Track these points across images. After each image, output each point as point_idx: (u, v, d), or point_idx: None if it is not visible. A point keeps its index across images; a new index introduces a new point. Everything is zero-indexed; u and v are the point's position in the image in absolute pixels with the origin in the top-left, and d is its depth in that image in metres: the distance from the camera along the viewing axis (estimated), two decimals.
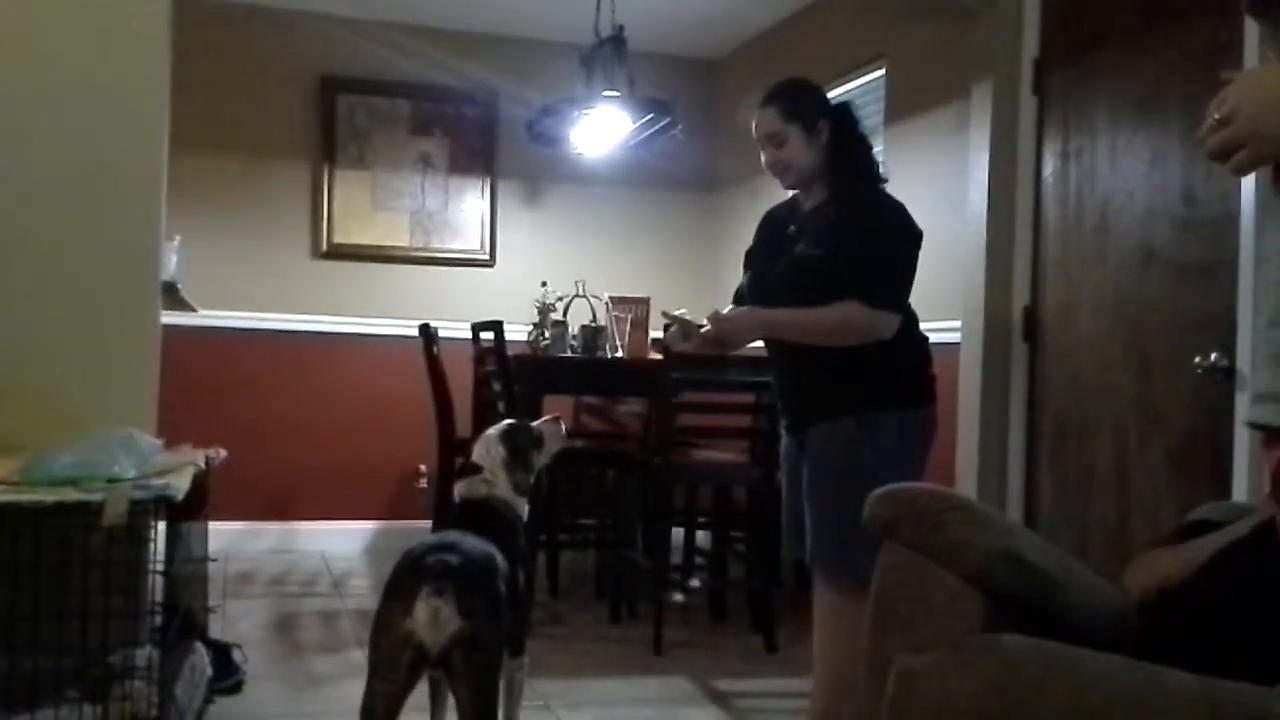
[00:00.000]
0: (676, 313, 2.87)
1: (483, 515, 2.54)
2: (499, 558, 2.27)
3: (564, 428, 2.89)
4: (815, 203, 2.87)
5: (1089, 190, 3.48)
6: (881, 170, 2.90)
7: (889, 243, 2.79)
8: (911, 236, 2.83)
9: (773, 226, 3.01)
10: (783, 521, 2.94)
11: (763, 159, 2.87)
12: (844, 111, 2.88)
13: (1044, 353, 3.67)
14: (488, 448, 2.71)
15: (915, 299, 4.46)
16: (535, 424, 2.84)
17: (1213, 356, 2.91)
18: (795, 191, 2.95)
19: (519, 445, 2.73)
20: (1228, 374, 2.87)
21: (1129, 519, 3.24)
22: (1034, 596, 1.65)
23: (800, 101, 2.83)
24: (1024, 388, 3.72)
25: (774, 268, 2.88)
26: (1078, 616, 1.69)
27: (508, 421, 2.84)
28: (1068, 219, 3.58)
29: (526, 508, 2.69)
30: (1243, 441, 2.79)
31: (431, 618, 2.03)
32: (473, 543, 2.26)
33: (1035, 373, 3.70)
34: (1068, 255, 3.57)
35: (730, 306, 2.96)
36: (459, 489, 2.66)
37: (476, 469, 2.65)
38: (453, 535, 2.33)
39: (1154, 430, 3.17)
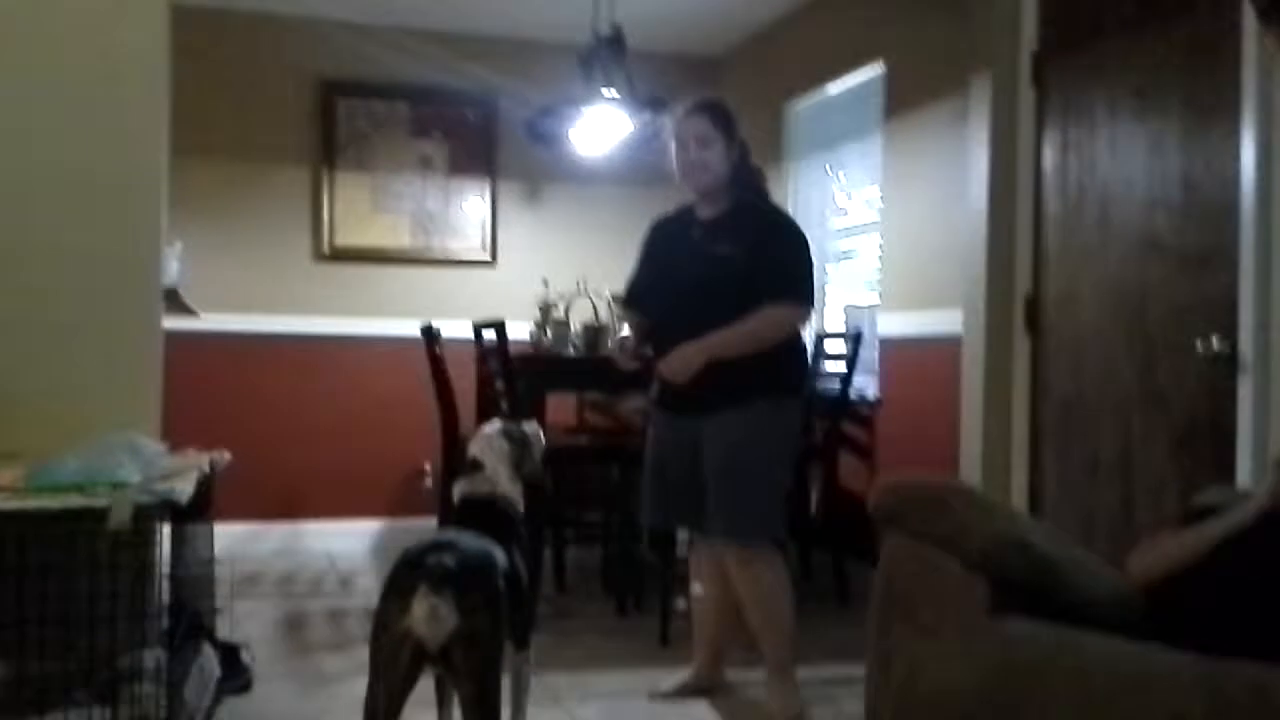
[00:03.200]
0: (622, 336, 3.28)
1: (484, 513, 2.54)
2: (497, 554, 2.27)
3: (540, 432, 2.91)
4: (718, 212, 3.17)
5: (1089, 180, 3.48)
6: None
7: (799, 244, 3.17)
8: (809, 242, 3.24)
9: (668, 235, 3.32)
10: (654, 499, 3.25)
11: (679, 157, 3.15)
12: (745, 145, 3.23)
13: (1046, 342, 3.67)
14: (489, 444, 2.71)
15: (918, 291, 4.48)
16: (522, 426, 2.85)
17: (1215, 342, 2.91)
18: (683, 206, 3.28)
19: (517, 442, 2.75)
20: (1230, 360, 2.87)
21: (1134, 506, 3.25)
22: (1038, 581, 1.66)
23: (729, 118, 3.17)
24: (1027, 377, 3.72)
25: (685, 269, 3.16)
26: (1081, 600, 1.70)
27: (500, 421, 2.85)
28: (1068, 209, 3.58)
29: (523, 504, 2.70)
30: (1246, 426, 2.80)
31: (429, 615, 2.02)
32: (469, 540, 2.26)
33: (1038, 362, 3.70)
34: (1069, 245, 3.57)
35: (625, 332, 3.42)
36: (460, 487, 2.66)
37: (477, 466, 2.66)
38: (450, 534, 2.34)
39: (1157, 417, 3.17)
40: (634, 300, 3.39)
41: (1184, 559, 1.90)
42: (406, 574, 2.11)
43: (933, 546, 1.74)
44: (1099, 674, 1.41)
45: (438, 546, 2.18)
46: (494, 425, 2.82)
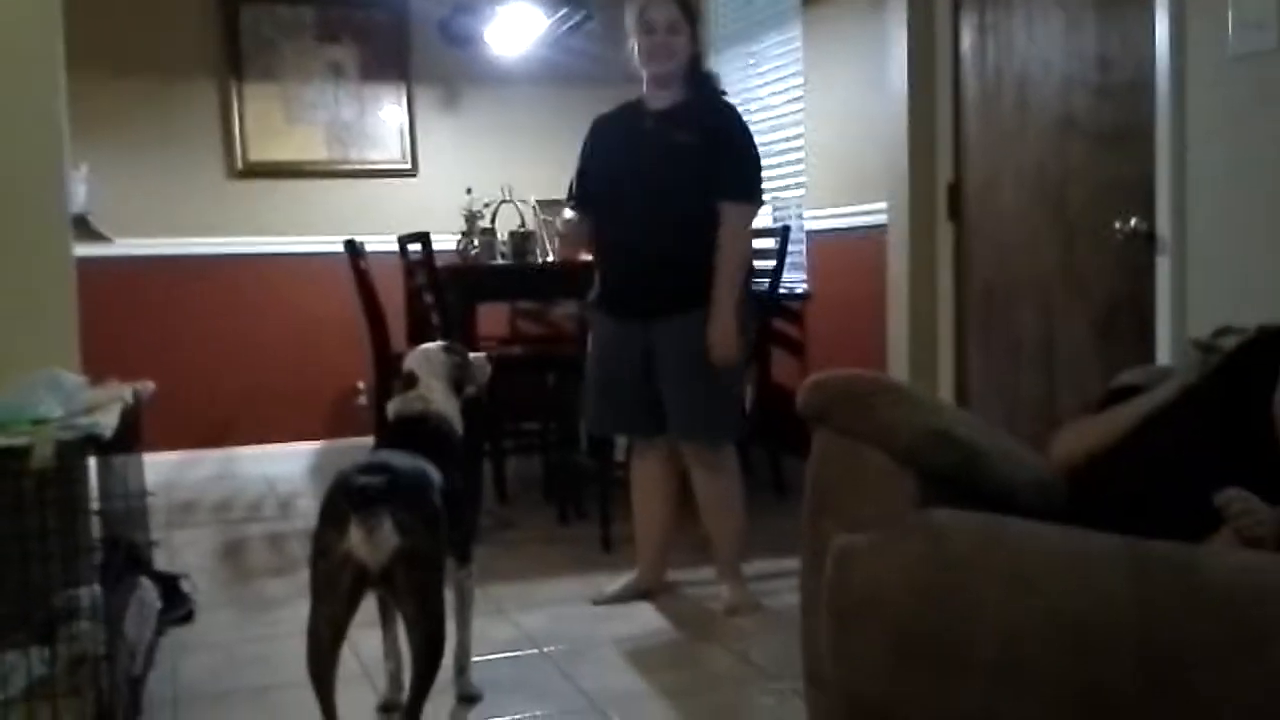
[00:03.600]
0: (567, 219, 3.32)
1: (418, 430, 2.52)
2: (431, 471, 2.26)
3: (489, 365, 2.86)
4: (672, 102, 3.15)
5: (1007, 62, 3.47)
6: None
7: (750, 138, 3.18)
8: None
9: (615, 130, 3.27)
10: (599, 405, 3.27)
11: (644, 41, 3.11)
12: (702, 47, 3.31)
13: (969, 228, 3.69)
14: (425, 359, 2.67)
15: (843, 183, 4.47)
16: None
17: (1133, 221, 2.95)
18: (627, 102, 3.27)
19: (455, 360, 2.71)
20: (1148, 238, 2.91)
21: (1057, 386, 3.32)
22: (963, 471, 1.69)
23: (694, 11, 3.18)
24: (951, 264, 3.75)
25: (642, 157, 3.14)
26: (1007, 487, 1.73)
27: (442, 343, 2.80)
28: (987, 93, 3.57)
29: (460, 421, 2.67)
30: (1165, 304, 2.85)
31: (368, 537, 2.02)
32: (403, 459, 2.24)
33: (961, 249, 3.73)
34: (989, 129, 3.58)
35: (569, 216, 3.33)
36: (393, 406, 2.62)
37: (412, 382, 2.63)
38: (383, 454, 2.32)
39: (1078, 298, 3.22)
40: (582, 198, 3.30)
41: (1106, 439, 1.95)
42: (341, 498, 2.10)
43: (861, 442, 1.76)
44: (1027, 560, 1.44)
45: (371, 468, 2.16)
46: (435, 343, 2.77)
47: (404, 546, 2.06)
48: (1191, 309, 2.76)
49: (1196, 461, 1.72)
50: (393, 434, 2.57)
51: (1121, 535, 1.45)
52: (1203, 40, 2.71)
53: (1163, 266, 2.85)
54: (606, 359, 3.25)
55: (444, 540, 2.24)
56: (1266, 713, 1.26)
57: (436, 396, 2.61)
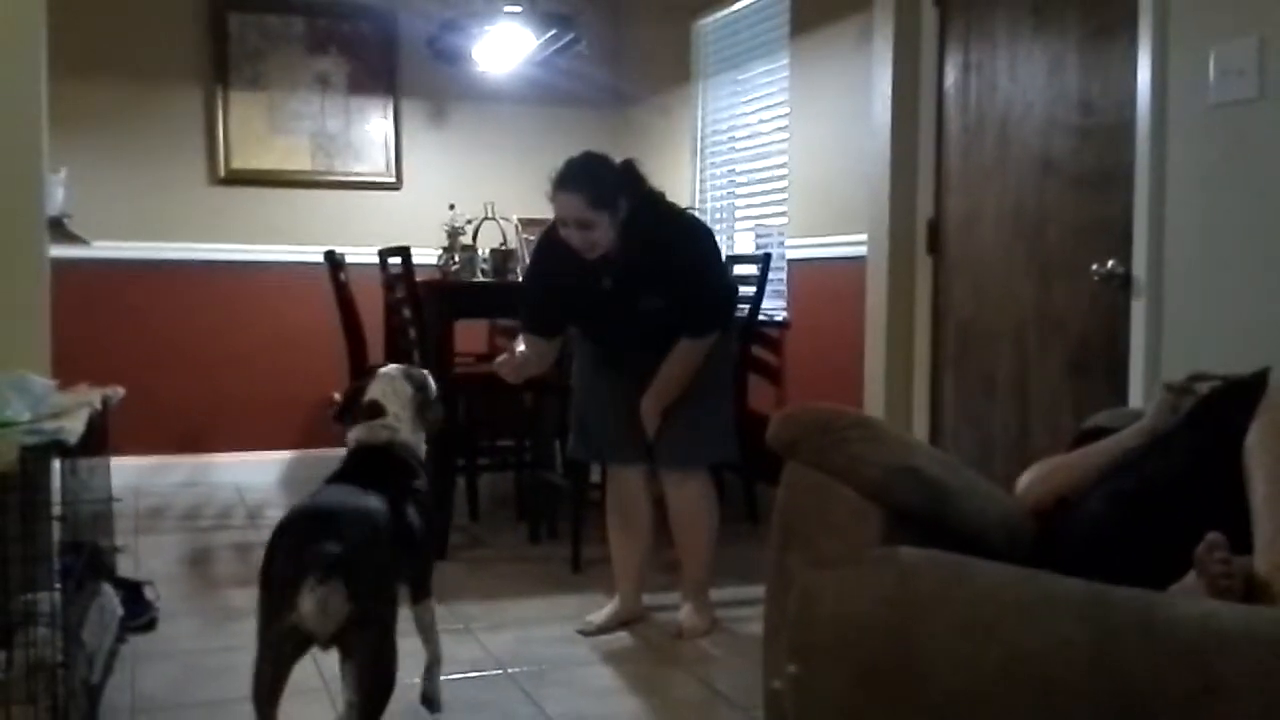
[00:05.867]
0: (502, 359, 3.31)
1: (381, 462, 2.44)
2: (378, 515, 2.17)
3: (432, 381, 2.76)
4: (622, 258, 3.07)
5: (989, 101, 3.50)
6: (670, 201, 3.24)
7: (712, 274, 3.21)
8: (718, 251, 3.28)
9: (568, 276, 3.14)
10: (588, 431, 3.30)
11: (566, 233, 3.03)
12: (631, 173, 3.11)
13: (947, 264, 3.71)
14: (391, 387, 2.56)
15: (824, 215, 4.49)
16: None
17: (1110, 264, 2.97)
18: None
19: (420, 385, 2.62)
20: (1125, 281, 2.93)
21: (1030, 425, 3.33)
22: (931, 509, 1.69)
23: (602, 187, 3.00)
24: (928, 299, 3.76)
25: (612, 325, 3.19)
26: (974, 527, 1.73)
27: (396, 366, 2.71)
28: (969, 130, 3.60)
29: (424, 447, 2.61)
30: (1139, 347, 2.86)
31: (319, 609, 1.94)
32: (353, 506, 2.16)
33: (939, 284, 3.74)
34: (969, 166, 3.60)
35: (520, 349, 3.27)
36: (357, 434, 2.52)
37: (376, 410, 2.53)
38: (332, 497, 2.23)
39: (1053, 338, 3.24)
40: (537, 329, 3.28)
41: (1076, 481, 1.95)
42: (289, 564, 2.02)
43: (830, 476, 1.76)
44: (991, 602, 1.44)
45: (319, 518, 2.10)
46: (393, 367, 2.68)
47: (355, 613, 1.98)
48: (1165, 353, 2.78)
49: (1164, 507, 1.73)
50: (350, 462, 2.47)
51: (1084, 580, 1.45)
52: (1184, 86, 2.73)
53: (1138, 310, 2.87)
54: (592, 384, 3.30)
55: (395, 595, 2.17)
56: None
57: (404, 426, 2.53)
